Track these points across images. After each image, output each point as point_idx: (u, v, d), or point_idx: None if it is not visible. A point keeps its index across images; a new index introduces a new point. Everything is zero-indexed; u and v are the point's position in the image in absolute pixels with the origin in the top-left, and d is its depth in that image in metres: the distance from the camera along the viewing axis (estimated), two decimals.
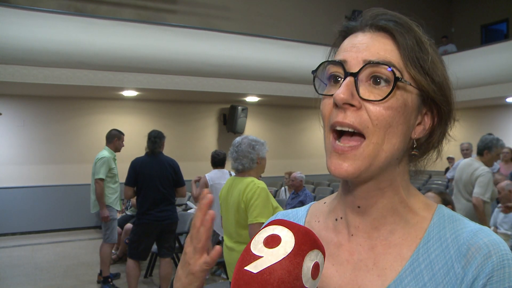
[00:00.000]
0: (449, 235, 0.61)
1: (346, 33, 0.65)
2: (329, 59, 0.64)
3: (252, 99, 8.88)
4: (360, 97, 0.57)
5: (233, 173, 4.56)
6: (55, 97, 7.84)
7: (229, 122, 9.09)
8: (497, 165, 5.31)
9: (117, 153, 4.85)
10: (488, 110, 10.01)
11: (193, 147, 8.85)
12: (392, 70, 0.57)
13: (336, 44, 0.67)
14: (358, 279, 0.63)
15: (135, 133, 7.79)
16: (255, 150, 2.63)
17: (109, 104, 8.33)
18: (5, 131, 7.47)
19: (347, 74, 0.58)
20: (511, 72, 7.82)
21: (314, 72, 0.65)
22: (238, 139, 2.72)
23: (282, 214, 0.79)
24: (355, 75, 0.58)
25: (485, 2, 12.06)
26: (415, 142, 0.63)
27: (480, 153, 3.78)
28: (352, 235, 0.65)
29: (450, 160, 9.91)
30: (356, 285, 0.62)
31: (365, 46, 0.60)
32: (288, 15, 10.18)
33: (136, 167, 3.91)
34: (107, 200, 4.62)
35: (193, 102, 9.16)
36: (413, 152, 0.63)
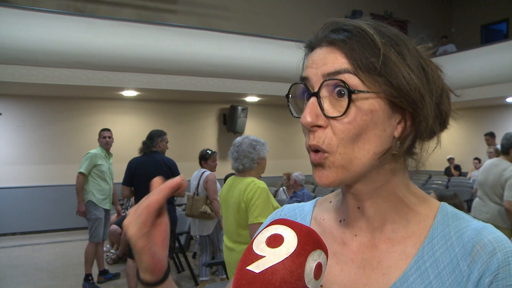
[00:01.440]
0: (453, 233, 0.61)
1: (311, 49, 0.64)
2: (298, 81, 0.63)
3: (252, 99, 8.87)
4: (325, 115, 0.57)
5: (207, 172, 4.57)
6: (55, 97, 7.84)
7: (229, 122, 9.09)
8: None
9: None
10: (488, 110, 10.00)
11: (193, 147, 8.83)
12: (343, 82, 0.56)
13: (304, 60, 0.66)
14: (363, 278, 0.63)
15: (135, 133, 7.80)
16: (255, 150, 2.63)
17: (109, 104, 8.33)
18: (5, 131, 7.48)
19: (309, 94, 0.59)
20: (511, 72, 7.82)
21: (287, 96, 0.65)
22: (239, 139, 2.72)
23: (288, 208, 0.79)
24: (316, 94, 0.58)
25: (485, 2, 12.06)
26: (398, 141, 0.60)
27: (505, 151, 3.55)
28: (355, 235, 0.66)
29: (451, 160, 9.90)
30: (361, 284, 0.63)
31: (322, 61, 0.59)
32: (288, 15, 10.18)
33: (132, 167, 3.98)
34: (93, 198, 4.60)
35: (193, 102, 9.16)
36: (393, 152, 0.60)
